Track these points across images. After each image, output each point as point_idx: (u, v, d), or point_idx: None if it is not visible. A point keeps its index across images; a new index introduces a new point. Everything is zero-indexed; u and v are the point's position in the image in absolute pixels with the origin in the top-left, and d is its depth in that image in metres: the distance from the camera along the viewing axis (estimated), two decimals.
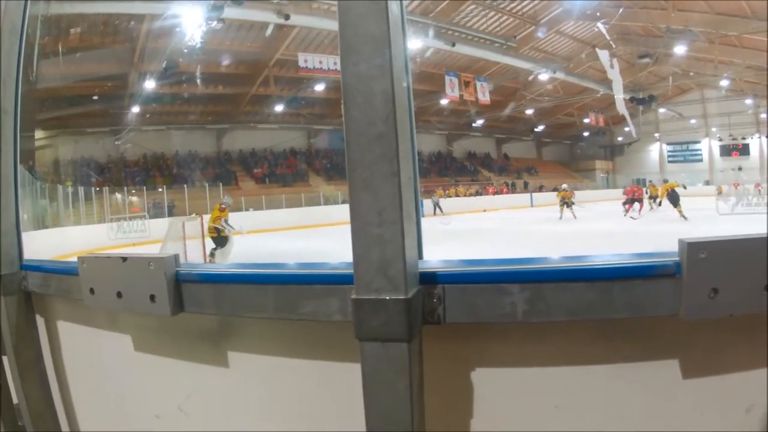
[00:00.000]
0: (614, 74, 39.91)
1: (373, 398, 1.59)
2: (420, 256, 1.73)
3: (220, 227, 19.52)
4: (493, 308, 1.57)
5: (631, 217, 29.51)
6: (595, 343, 1.65)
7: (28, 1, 3.15)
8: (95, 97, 41.36)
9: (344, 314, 1.66)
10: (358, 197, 1.54)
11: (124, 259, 2.14)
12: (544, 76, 52.16)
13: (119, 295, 2.16)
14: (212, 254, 19.66)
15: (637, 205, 32.04)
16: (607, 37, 44.39)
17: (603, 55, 40.03)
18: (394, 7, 1.55)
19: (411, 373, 1.54)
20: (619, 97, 41.77)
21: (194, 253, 19.34)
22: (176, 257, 2.07)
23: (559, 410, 1.68)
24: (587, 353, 1.65)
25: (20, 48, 3.14)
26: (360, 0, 1.54)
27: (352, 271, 1.60)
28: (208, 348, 2.24)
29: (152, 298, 2.04)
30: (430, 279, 1.60)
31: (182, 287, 2.04)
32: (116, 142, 47.94)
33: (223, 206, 20.14)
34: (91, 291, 2.28)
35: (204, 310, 2.04)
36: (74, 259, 2.48)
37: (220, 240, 19.67)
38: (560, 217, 33.18)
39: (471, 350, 1.71)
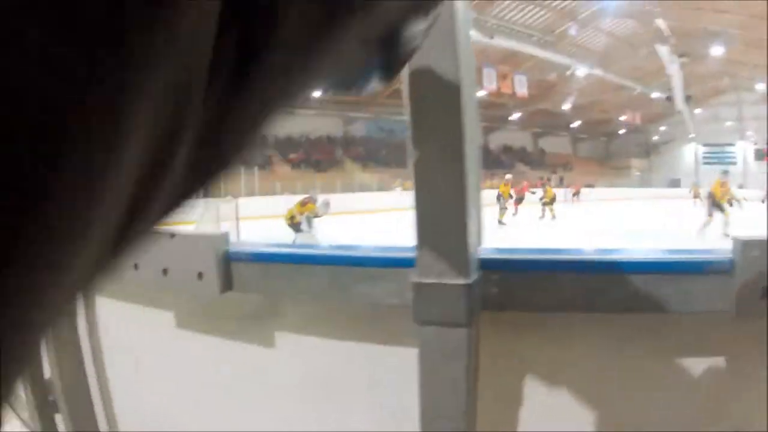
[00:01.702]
0: (674, 70, 39.68)
1: (429, 384, 1.57)
2: (480, 242, 1.71)
3: (297, 221, 19.70)
4: (550, 297, 1.55)
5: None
6: (647, 337, 1.61)
7: None
8: None
9: (400, 298, 1.64)
10: (423, 180, 1.52)
11: (173, 235, 2.13)
12: (581, 72, 51.94)
13: (165, 272, 2.16)
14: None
15: None
16: (666, 32, 44.19)
17: (662, 50, 39.84)
18: None
19: (469, 360, 1.52)
20: (679, 94, 41.47)
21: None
22: (226, 235, 2.06)
23: (612, 402, 1.65)
24: (639, 347, 1.63)
25: None
26: None
27: (409, 254, 1.60)
28: (252, 328, 2.24)
29: (200, 275, 2.03)
30: (489, 265, 1.58)
31: (231, 266, 2.04)
32: None
33: (305, 201, 20.23)
34: (135, 266, 2.28)
35: (253, 289, 2.04)
36: None
37: (295, 227, 19.77)
38: (500, 221, 27.24)
39: (525, 338, 1.68)
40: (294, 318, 2.12)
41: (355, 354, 1.96)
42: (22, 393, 3.69)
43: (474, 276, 1.51)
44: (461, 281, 1.49)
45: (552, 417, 1.70)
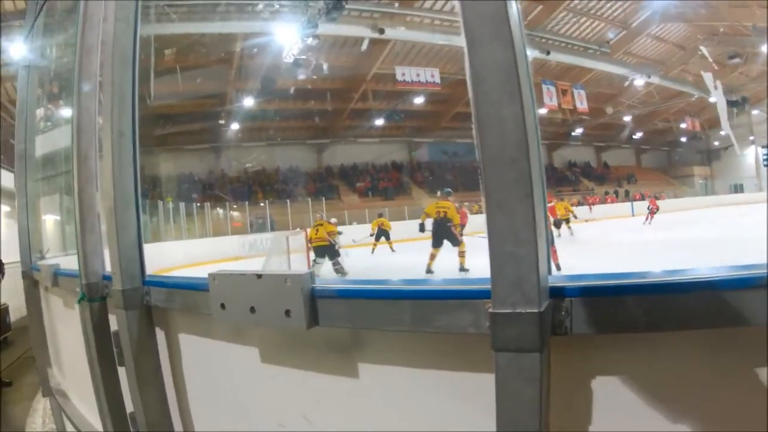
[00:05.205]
0: (718, 95, 39.46)
1: (506, 407, 1.66)
2: (549, 271, 1.80)
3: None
4: (615, 320, 1.63)
5: None
6: (715, 354, 1.65)
7: (139, 25, 3.28)
8: (194, 116, 42.36)
9: (477, 327, 1.73)
10: (494, 219, 1.62)
11: (259, 276, 2.26)
12: (639, 82, 51.52)
13: (252, 310, 2.28)
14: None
15: None
16: (710, 59, 43.94)
17: (707, 77, 39.66)
18: (517, 33, 1.63)
19: (541, 382, 1.61)
20: (724, 118, 41.12)
21: (298, 266, 19.57)
22: (312, 274, 2.18)
23: (676, 420, 1.71)
24: (708, 365, 1.66)
25: (134, 72, 3.26)
26: (486, 34, 1.62)
27: (485, 286, 1.69)
28: (335, 359, 2.33)
29: (287, 312, 2.15)
30: (558, 293, 1.67)
31: (317, 302, 2.14)
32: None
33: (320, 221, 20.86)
34: (222, 306, 2.40)
35: (339, 323, 2.14)
36: (179, 273, 2.57)
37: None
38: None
39: (595, 361, 1.76)
40: (377, 349, 2.21)
41: (435, 380, 2.05)
42: (100, 428, 3.82)
43: (544, 304, 1.61)
44: (533, 310, 1.59)
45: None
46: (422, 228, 20.08)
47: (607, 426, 1.77)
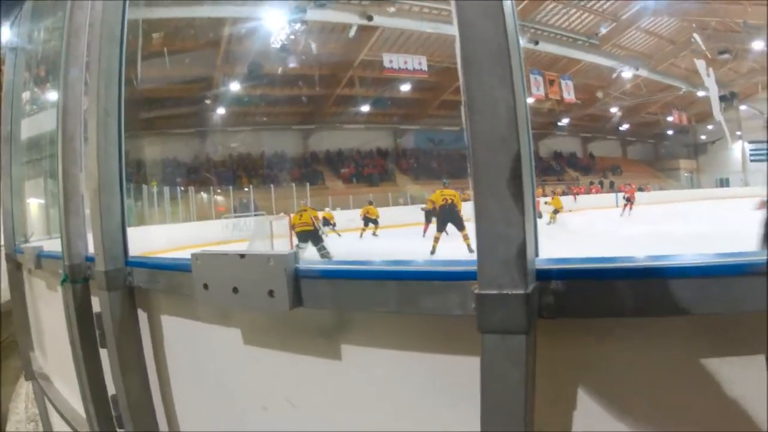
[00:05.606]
0: (710, 83, 39.64)
1: (491, 389, 1.64)
2: (536, 253, 1.78)
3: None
4: (601, 303, 1.62)
5: None
6: (701, 339, 1.65)
7: (126, 6, 3.26)
8: (180, 100, 42.25)
9: (463, 308, 1.72)
10: (483, 200, 1.61)
11: (242, 255, 2.23)
12: (627, 74, 51.80)
13: (235, 290, 2.26)
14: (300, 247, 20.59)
15: None
16: (703, 47, 44.02)
17: (700, 65, 39.81)
18: (509, 15, 1.61)
19: (527, 364, 1.60)
20: (716, 105, 41.31)
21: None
22: (295, 254, 2.16)
23: (660, 407, 1.70)
24: (694, 350, 1.65)
25: (121, 51, 3.24)
26: (479, 15, 1.61)
27: (471, 268, 1.67)
28: (319, 341, 2.31)
29: (271, 293, 2.12)
30: (545, 275, 1.66)
31: (301, 283, 2.12)
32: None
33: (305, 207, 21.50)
34: (205, 286, 2.38)
35: (323, 304, 2.11)
36: (167, 255, 2.55)
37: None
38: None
39: (580, 344, 1.75)
40: (361, 331, 2.19)
41: (419, 363, 2.04)
42: (81, 412, 3.81)
43: (531, 286, 1.60)
44: (520, 291, 1.57)
45: (603, 420, 1.75)
46: (428, 214, 22.45)
47: (591, 408, 1.77)
